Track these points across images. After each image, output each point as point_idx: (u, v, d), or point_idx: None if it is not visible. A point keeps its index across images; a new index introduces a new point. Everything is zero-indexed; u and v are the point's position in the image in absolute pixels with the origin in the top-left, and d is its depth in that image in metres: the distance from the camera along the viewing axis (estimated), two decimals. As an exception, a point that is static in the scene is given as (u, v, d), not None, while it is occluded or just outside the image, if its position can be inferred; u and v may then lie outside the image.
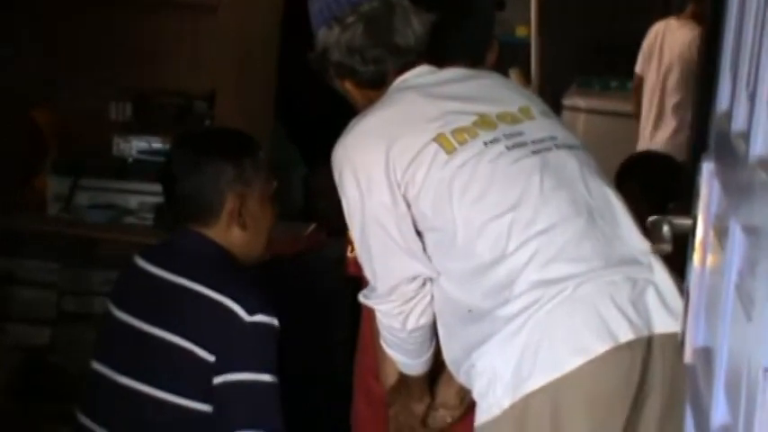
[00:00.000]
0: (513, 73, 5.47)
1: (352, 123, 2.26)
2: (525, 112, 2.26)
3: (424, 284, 2.18)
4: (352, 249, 2.49)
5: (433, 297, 2.20)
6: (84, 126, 3.39)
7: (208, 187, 2.32)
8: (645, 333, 2.04)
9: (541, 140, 2.20)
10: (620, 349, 2.01)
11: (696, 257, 1.66)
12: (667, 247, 1.68)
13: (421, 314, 2.20)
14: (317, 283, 3.32)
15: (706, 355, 1.59)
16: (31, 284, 3.35)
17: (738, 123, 1.44)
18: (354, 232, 2.23)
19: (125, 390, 2.29)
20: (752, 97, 1.34)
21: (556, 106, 5.61)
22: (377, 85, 2.30)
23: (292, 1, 3.50)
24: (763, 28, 1.29)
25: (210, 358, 2.22)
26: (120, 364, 2.32)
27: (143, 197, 3.28)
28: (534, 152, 2.17)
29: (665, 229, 1.67)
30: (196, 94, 3.36)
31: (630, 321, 2.03)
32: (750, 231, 1.29)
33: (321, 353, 3.30)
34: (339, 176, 2.22)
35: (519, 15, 6.15)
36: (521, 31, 6.21)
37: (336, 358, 3.24)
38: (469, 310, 2.13)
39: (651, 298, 2.07)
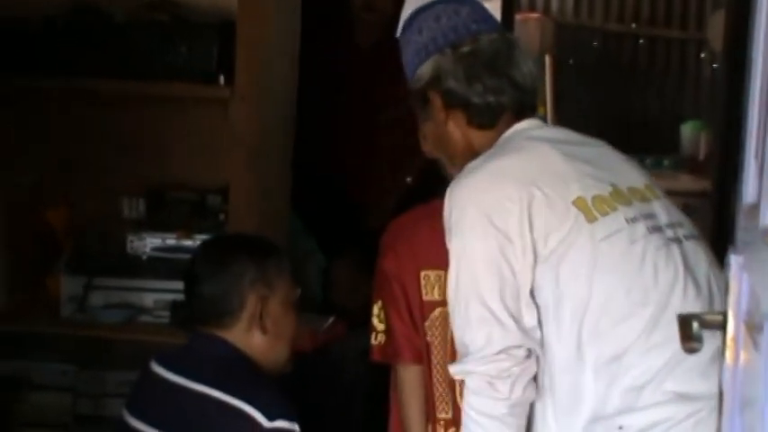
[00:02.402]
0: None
1: (473, 165, 2.08)
2: (651, 191, 2.12)
3: (529, 355, 1.98)
4: (377, 336, 2.43)
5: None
6: (97, 224, 3.35)
7: (230, 287, 2.29)
8: None
9: (671, 226, 2.06)
10: None
11: (728, 355, 1.59)
12: (698, 346, 1.60)
13: (527, 384, 1.98)
14: (337, 378, 3.25)
15: (744, 458, 1.51)
16: (46, 388, 3.28)
17: (767, 218, 1.37)
18: (461, 282, 2.01)
19: None
20: (781, 192, 1.28)
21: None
22: (487, 124, 2.15)
23: (306, 88, 3.50)
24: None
25: None
26: None
27: (158, 295, 3.23)
28: (671, 240, 2.03)
29: (695, 326, 1.60)
30: (209, 188, 3.32)
31: None
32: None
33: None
34: (460, 217, 2.00)
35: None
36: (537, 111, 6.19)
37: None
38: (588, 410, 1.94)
39: None
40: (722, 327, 1.60)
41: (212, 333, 2.30)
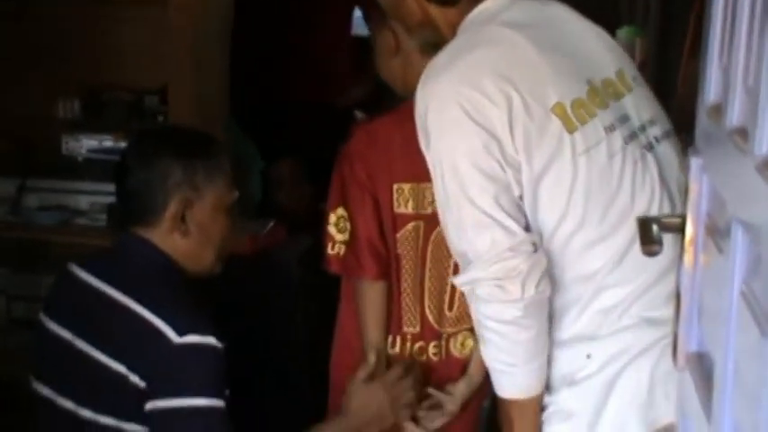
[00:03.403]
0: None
1: (442, 61, 1.88)
2: (622, 80, 1.98)
3: (536, 249, 1.85)
4: (334, 246, 2.32)
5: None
6: (31, 125, 3.26)
7: (154, 184, 2.14)
8: None
9: (643, 128, 1.95)
10: None
11: (687, 258, 1.58)
12: (659, 249, 1.59)
13: (540, 280, 1.84)
14: (280, 281, 3.22)
15: (701, 361, 1.51)
16: (-22, 291, 3.24)
17: (734, 119, 1.35)
18: (448, 188, 1.87)
19: (65, 413, 2.13)
20: (752, 92, 1.26)
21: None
22: (448, 1, 1.97)
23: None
24: (765, 21, 1.21)
25: (142, 384, 2.02)
26: (58, 383, 2.13)
27: (95, 197, 3.16)
28: (645, 148, 1.93)
29: (655, 228, 1.59)
30: (147, 89, 3.24)
31: None
32: (756, 238, 1.20)
33: (286, 352, 3.20)
34: (436, 116, 1.85)
35: None
36: None
37: (302, 357, 3.16)
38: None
39: None
40: (681, 230, 1.59)
41: (137, 233, 2.18)
